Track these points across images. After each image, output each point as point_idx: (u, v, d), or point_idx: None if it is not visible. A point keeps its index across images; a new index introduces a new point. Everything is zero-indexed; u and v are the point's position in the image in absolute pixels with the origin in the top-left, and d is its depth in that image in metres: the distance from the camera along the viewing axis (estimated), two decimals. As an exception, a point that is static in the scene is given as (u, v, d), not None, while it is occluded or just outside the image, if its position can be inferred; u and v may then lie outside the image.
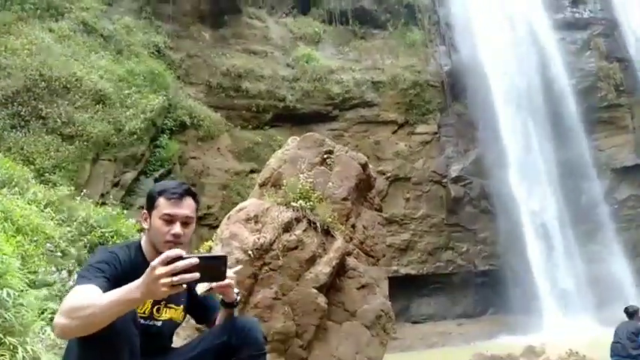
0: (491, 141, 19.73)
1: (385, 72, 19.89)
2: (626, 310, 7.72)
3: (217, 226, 16.69)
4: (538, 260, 18.24)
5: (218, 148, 17.50)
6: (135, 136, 14.45)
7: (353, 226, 5.67)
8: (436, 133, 20.10)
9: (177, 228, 2.01)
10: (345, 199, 5.55)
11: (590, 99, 20.74)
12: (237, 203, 16.66)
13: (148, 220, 2.09)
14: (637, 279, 18.42)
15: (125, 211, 11.26)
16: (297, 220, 5.07)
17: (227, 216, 5.43)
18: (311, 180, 5.25)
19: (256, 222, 4.96)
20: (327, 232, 5.23)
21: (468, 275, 19.66)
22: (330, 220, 5.29)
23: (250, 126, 18.27)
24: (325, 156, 5.71)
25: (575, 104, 20.26)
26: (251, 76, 18.15)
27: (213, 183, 17.02)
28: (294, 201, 5.09)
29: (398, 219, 19.19)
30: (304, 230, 5.00)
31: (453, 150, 20.17)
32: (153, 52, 16.75)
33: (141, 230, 9.68)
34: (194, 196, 2.13)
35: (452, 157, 20.11)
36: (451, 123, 20.27)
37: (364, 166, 6.04)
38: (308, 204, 5.13)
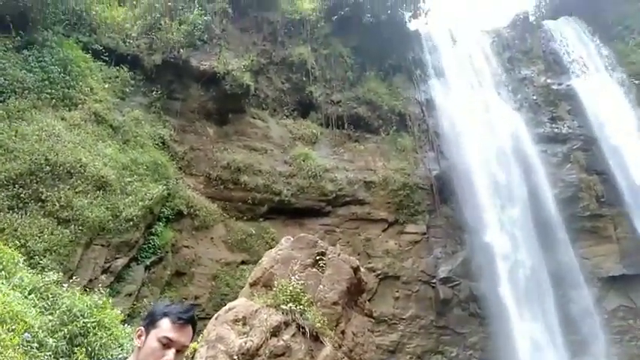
0: (479, 244, 19.73)
1: (377, 173, 20.40)
2: None
3: (203, 318, 16.07)
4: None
5: (212, 238, 17.32)
6: (131, 223, 14.30)
7: (343, 332, 5.41)
8: (425, 233, 20.13)
9: (171, 354, 1.87)
10: (335, 303, 5.37)
11: (573, 208, 21.11)
12: (225, 295, 16.21)
13: (143, 337, 1.94)
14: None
15: (111, 299, 10.81)
16: (286, 324, 4.85)
17: (215, 316, 5.19)
18: (302, 282, 5.11)
19: (244, 324, 4.73)
20: (316, 338, 4.98)
21: (459, 382, 18.58)
22: (320, 325, 5.06)
23: (245, 217, 18.27)
24: (318, 257, 5.62)
25: (559, 213, 20.58)
26: (250, 171, 18.50)
27: (204, 273, 16.60)
28: (284, 303, 4.90)
29: (387, 318, 18.56)
30: (293, 335, 4.76)
31: (441, 251, 20.08)
32: (158, 144, 17.18)
33: (123, 322, 9.22)
34: (194, 324, 2.04)
35: (440, 258, 19.96)
36: (439, 225, 20.39)
37: (356, 270, 5.92)
38: (298, 307, 4.93)
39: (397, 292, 19.02)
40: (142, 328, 1.99)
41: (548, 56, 25.44)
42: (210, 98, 18.79)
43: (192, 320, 2.01)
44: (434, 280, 19.32)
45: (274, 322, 4.79)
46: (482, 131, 21.55)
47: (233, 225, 17.84)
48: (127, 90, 17.60)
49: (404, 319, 18.68)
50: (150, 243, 15.34)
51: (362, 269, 18.31)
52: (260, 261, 6.18)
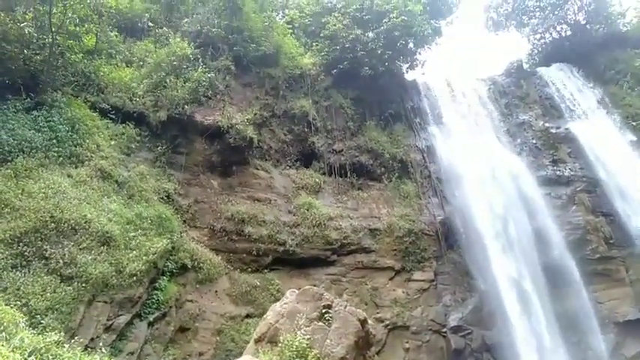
0: (488, 291, 19.28)
1: (381, 220, 20.30)
2: None
3: (208, 377, 15.42)
4: None
5: (216, 291, 17.01)
6: (134, 278, 14.10)
7: (351, 389, 5.19)
8: (433, 280, 19.73)
9: None
10: (343, 358, 5.17)
11: (582, 251, 20.77)
12: (230, 350, 15.70)
13: None
14: None
15: (113, 359, 10.49)
16: (296, 383, 4.66)
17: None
18: (309, 337, 4.94)
19: (249, 383, 4.55)
20: (324, 396, 4.77)
21: None
22: (328, 382, 4.86)
23: (250, 269, 18.02)
24: (324, 310, 5.47)
25: (569, 256, 20.24)
26: (254, 221, 18.44)
27: (208, 328, 16.16)
28: (290, 360, 4.73)
29: (398, 372, 17.83)
30: (300, 395, 4.56)
31: (450, 298, 19.59)
32: (163, 198, 17.25)
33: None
34: None
35: (450, 306, 19.45)
36: (447, 271, 20.03)
37: (363, 322, 5.75)
38: (304, 364, 4.75)
39: (407, 342, 18.39)
40: None
41: (544, 101, 25.93)
42: (214, 151, 19.04)
43: None
44: (444, 330, 18.73)
45: (281, 380, 4.61)
46: (484, 175, 21.61)
47: (237, 277, 17.57)
48: (133, 146, 17.90)
49: (416, 371, 17.95)
50: (153, 298, 15.05)
51: (370, 321, 17.86)
52: (265, 316, 6.02)
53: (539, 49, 30.27)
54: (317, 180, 21.06)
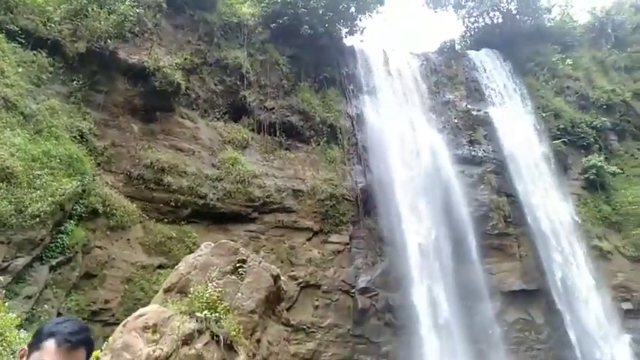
0: (397, 256, 20.45)
1: (305, 182, 20.52)
2: None
3: (113, 324, 15.13)
4: (437, 378, 18.18)
5: (128, 240, 16.40)
6: (37, 219, 13.19)
7: (258, 341, 5.31)
8: (348, 244, 20.50)
9: None
10: (253, 311, 5.26)
11: (484, 226, 22.56)
12: (139, 299, 15.38)
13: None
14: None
15: (8, 301, 9.85)
16: (200, 332, 4.66)
17: (123, 322, 4.87)
18: (220, 289, 4.95)
19: (155, 332, 4.48)
20: (230, 347, 4.83)
21: (370, 390, 19.00)
22: (235, 334, 4.92)
23: (166, 220, 17.52)
24: (238, 265, 5.48)
25: (472, 230, 21.92)
26: (174, 172, 17.81)
27: (116, 276, 15.65)
28: (199, 311, 4.71)
29: (305, 327, 18.59)
30: (206, 344, 4.58)
31: (362, 262, 20.53)
32: (75, 137, 16.02)
33: (19, 327, 8.42)
34: (89, 345, 1.74)
35: (361, 269, 20.40)
36: (362, 236, 20.87)
37: (276, 279, 5.85)
38: (214, 315, 4.76)
39: (317, 300, 19.14)
40: (26, 347, 1.69)
41: (470, 83, 27.18)
42: (137, 94, 17.91)
43: (86, 342, 1.70)
44: (353, 290, 19.68)
45: (187, 330, 4.58)
46: (407, 149, 22.47)
47: (152, 227, 17.03)
48: (44, 77, 16.29)
49: (322, 327, 18.81)
50: (58, 242, 14.20)
51: (283, 277, 18.27)
52: (177, 266, 5.91)
53: (472, 32, 31.42)
54: (245, 136, 20.67)
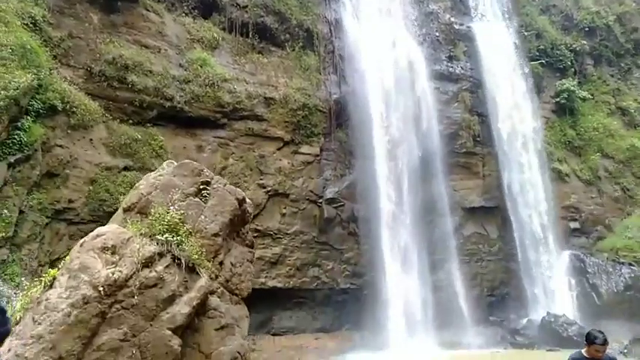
0: (366, 170, 20.68)
1: (278, 90, 19.79)
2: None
3: (77, 223, 15.04)
4: (393, 283, 19.41)
5: (91, 140, 15.76)
6: (-10, 115, 12.43)
7: (220, 263, 5.29)
8: (318, 155, 20.45)
9: None
10: (216, 234, 5.16)
11: (452, 144, 22.83)
12: (104, 200, 15.20)
13: None
14: (471, 307, 20.54)
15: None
16: (161, 255, 4.56)
17: (80, 242, 4.70)
18: (182, 212, 4.78)
19: (113, 253, 4.35)
20: (191, 270, 4.79)
21: (330, 292, 20.21)
22: (197, 257, 4.87)
23: (131, 121, 16.79)
24: (202, 187, 5.27)
25: (441, 147, 22.17)
26: (139, 70, 16.73)
27: (80, 176, 15.26)
28: (160, 234, 4.57)
29: (272, 233, 19.10)
30: (167, 266, 4.51)
31: (331, 173, 20.69)
32: (28, 24, 14.56)
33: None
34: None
35: (329, 180, 20.61)
36: (332, 148, 20.80)
37: (241, 202, 5.69)
38: (175, 238, 4.64)
39: (285, 208, 19.47)
40: None
41: (455, -6, 25.78)
42: (95, -22, 16.15)
43: None
44: (320, 200, 20.04)
45: (147, 252, 4.48)
46: (384, 61, 21.71)
47: (116, 127, 16.34)
48: (-13, -49, 14.35)
49: (288, 234, 19.37)
50: (15, 138, 13.50)
51: (252, 187, 18.26)
52: (136, 185, 5.64)
53: (464, -64, 29.11)
54: (215, 35, 19.34)
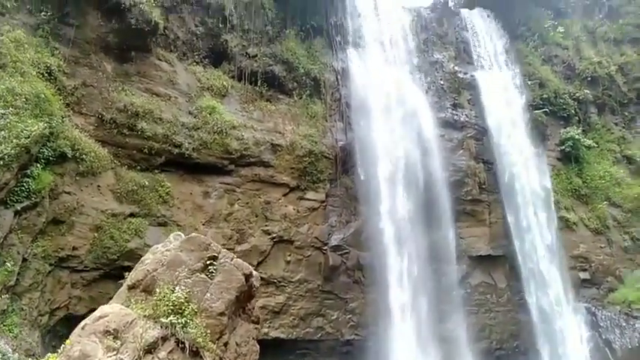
0: (371, 217, 20.49)
1: (285, 137, 19.93)
2: None
3: (81, 271, 14.80)
4: (398, 336, 18.83)
5: (98, 186, 15.80)
6: (1, 162, 12.52)
7: (225, 344, 5.08)
8: (324, 201, 20.35)
9: None
10: (222, 314, 4.98)
11: (458, 191, 22.67)
12: (108, 248, 15.01)
13: None
14: (479, 360, 19.84)
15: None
16: (164, 339, 4.38)
17: (82, 324, 4.53)
18: (188, 290, 4.63)
19: (115, 338, 4.18)
20: (195, 354, 4.59)
21: (335, 343, 19.61)
22: (201, 340, 4.68)
23: (139, 167, 16.88)
24: (208, 262, 5.13)
25: (447, 194, 22.03)
26: (149, 117, 16.95)
27: (85, 223, 15.19)
28: (164, 316, 4.41)
29: (276, 280, 18.77)
30: (170, 352, 4.32)
31: (336, 220, 20.50)
32: (43, 74, 14.87)
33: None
34: None
35: (334, 227, 20.41)
36: (338, 194, 20.71)
37: (248, 276, 5.54)
38: (180, 320, 4.47)
39: (289, 255, 19.20)
40: None
41: (459, 44, 26.33)
42: (111, 30, 16.60)
43: None
44: (325, 247, 19.77)
45: (150, 337, 4.30)
46: (390, 108, 21.92)
47: (124, 174, 16.39)
48: (9, 5, 14.89)
49: (292, 282, 19.02)
50: (23, 186, 13.55)
51: (257, 234, 18.08)
52: (143, 259, 5.52)
53: (467, -11, 30.06)
54: (225, 83, 19.69)
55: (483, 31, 26.99)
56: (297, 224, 19.47)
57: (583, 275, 22.94)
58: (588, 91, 27.40)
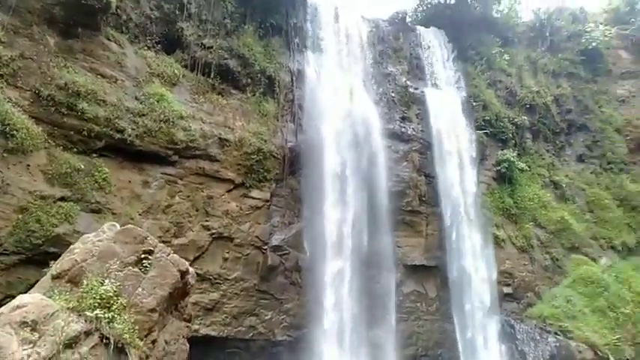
0: (314, 220, 20.64)
1: (234, 132, 19.64)
2: None
3: (1, 254, 13.80)
4: (329, 339, 19.06)
5: (28, 165, 14.80)
6: None
7: (154, 342, 4.93)
8: (268, 201, 20.23)
9: None
10: (152, 310, 4.83)
11: (399, 202, 23.33)
12: (33, 232, 14.13)
13: None
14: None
15: None
16: (87, 333, 4.17)
17: (-4, 313, 4.24)
18: (118, 284, 4.45)
19: (33, 330, 3.93)
20: (120, 350, 4.41)
21: (266, 343, 19.52)
22: (128, 336, 4.51)
23: (76, 149, 15.98)
24: (143, 256, 4.96)
25: (388, 204, 22.59)
26: (91, 98, 16.10)
27: (10, 203, 14.18)
28: (90, 309, 4.20)
29: (211, 277, 18.40)
30: (92, 347, 4.12)
31: (279, 220, 20.44)
32: (-25, 40, 13.81)
33: None
34: None
35: (276, 227, 20.34)
36: (283, 195, 20.67)
37: (184, 273, 5.41)
38: (106, 315, 4.28)
39: (228, 253, 18.90)
40: None
41: (413, 60, 27.15)
42: (58, 3, 15.62)
43: None
44: (265, 247, 19.67)
45: (72, 331, 4.08)
46: (341, 115, 22.21)
47: (58, 155, 15.46)
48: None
49: (228, 279, 18.73)
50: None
51: (196, 228, 17.66)
52: (71, 248, 5.22)
53: (425, 7, 31.10)
54: (176, 71, 19.11)
55: (436, 50, 27.99)
56: (238, 222, 19.22)
57: (506, 290, 24.30)
58: (526, 118, 29.15)
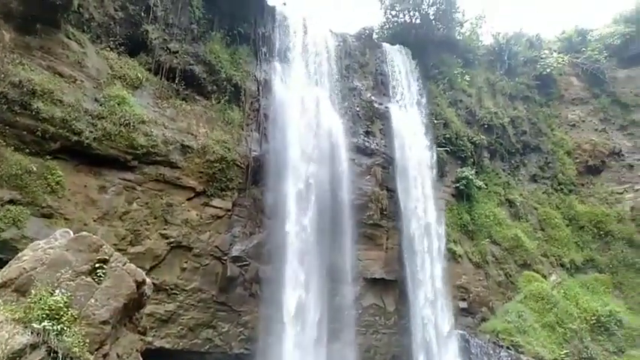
0: (276, 231, 20.46)
1: (197, 139, 19.27)
2: None
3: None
4: (287, 352, 18.82)
5: (-25, 166, 13.98)
6: None
7: (105, 356, 4.69)
8: (229, 210, 19.90)
9: None
10: (105, 322, 4.59)
11: (361, 215, 23.52)
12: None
13: None
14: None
15: None
16: (34, 346, 3.90)
17: None
18: (70, 294, 4.21)
19: (-28, 342, 3.66)
20: (69, 364, 4.19)
21: (222, 356, 19.06)
22: (78, 349, 4.27)
23: (28, 150, 15.22)
24: (97, 265, 4.72)
25: (350, 216, 22.72)
26: (47, 98, 15.42)
27: (-48, 205, 13.31)
28: (38, 321, 3.95)
29: (168, 288, 17.85)
30: (39, 361, 3.89)
31: (240, 230, 20.13)
32: None
33: None
34: None
35: (237, 237, 20.01)
36: (245, 205, 20.40)
37: (140, 284, 5.18)
38: (55, 327, 4.04)
39: (186, 262, 18.41)
40: None
41: (378, 76, 27.64)
42: (15, -3, 15.00)
43: None
44: (225, 257, 19.30)
45: (17, 344, 3.81)
46: (307, 126, 22.27)
47: (9, 155, 14.66)
48: None
49: (185, 290, 18.22)
50: None
51: (154, 237, 17.14)
52: (19, 255, 4.90)
53: (391, 25, 31.86)
54: (139, 75, 18.63)
55: (401, 67, 28.62)
56: (198, 231, 18.79)
57: (462, 304, 24.86)
58: (484, 137, 30.22)
